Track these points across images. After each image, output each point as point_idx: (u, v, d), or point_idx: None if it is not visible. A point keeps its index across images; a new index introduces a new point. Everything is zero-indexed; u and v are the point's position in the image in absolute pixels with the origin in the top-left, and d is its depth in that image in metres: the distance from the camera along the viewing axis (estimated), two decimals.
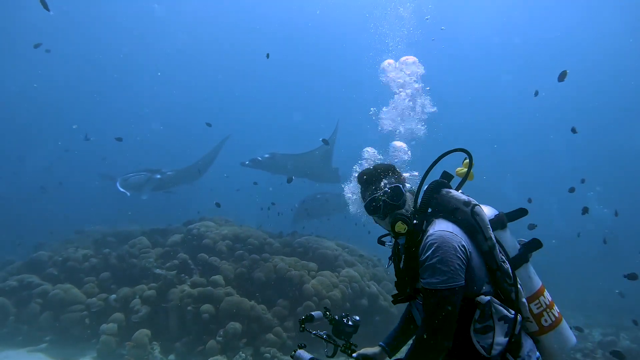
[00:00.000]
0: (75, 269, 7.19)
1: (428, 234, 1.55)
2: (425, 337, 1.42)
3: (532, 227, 6.66)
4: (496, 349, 1.46)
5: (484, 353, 1.45)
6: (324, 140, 10.01)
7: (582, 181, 8.44)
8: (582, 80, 26.78)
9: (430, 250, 1.49)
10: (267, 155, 11.32)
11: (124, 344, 5.71)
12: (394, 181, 1.67)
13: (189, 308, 5.98)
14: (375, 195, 1.65)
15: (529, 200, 7.90)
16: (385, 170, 1.71)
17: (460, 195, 1.65)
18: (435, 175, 1.76)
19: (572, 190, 7.63)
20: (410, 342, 1.60)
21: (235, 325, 5.76)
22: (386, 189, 1.64)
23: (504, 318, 1.48)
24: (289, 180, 9.26)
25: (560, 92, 26.85)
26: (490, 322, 1.47)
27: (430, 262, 1.47)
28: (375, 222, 1.77)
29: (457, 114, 30.31)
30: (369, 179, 1.71)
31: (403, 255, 1.63)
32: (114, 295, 6.41)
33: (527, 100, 28.55)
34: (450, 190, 1.70)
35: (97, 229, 9.45)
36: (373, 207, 1.66)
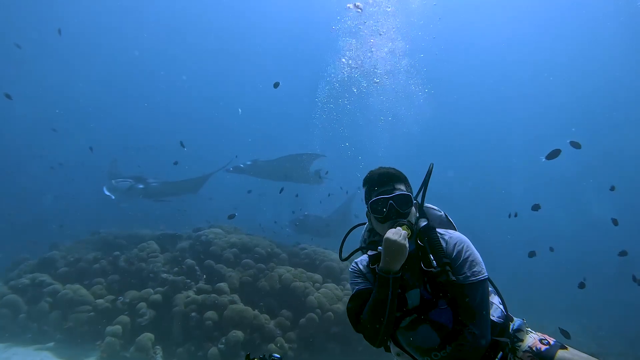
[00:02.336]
0: (86, 270, 7.36)
1: (446, 237, 1.66)
2: (478, 332, 1.50)
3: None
4: (505, 312, 1.74)
5: (501, 321, 1.69)
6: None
7: (612, 188, 8.30)
8: (584, 82, 26.95)
9: (460, 248, 1.62)
10: (249, 163, 11.98)
11: (96, 344, 5.81)
12: (404, 189, 1.68)
13: (192, 314, 6.03)
14: (384, 196, 1.64)
15: (537, 207, 7.76)
16: (398, 176, 1.72)
17: (432, 205, 1.94)
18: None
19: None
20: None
21: (237, 334, 5.77)
22: (397, 193, 1.64)
23: (493, 291, 1.79)
24: (281, 191, 10.14)
25: (565, 95, 27.88)
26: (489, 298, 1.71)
27: (464, 258, 1.59)
28: (370, 223, 1.79)
29: (463, 115, 30.59)
30: (379, 180, 1.70)
31: (420, 262, 1.61)
32: (121, 298, 6.52)
33: (533, 101, 29.25)
34: (425, 204, 1.92)
35: (110, 231, 9.64)
36: (378, 207, 1.65)
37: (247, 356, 1.49)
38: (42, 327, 6.44)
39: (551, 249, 8.71)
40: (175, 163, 12.24)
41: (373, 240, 1.81)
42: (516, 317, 1.80)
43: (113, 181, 10.62)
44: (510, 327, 1.74)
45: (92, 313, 6.34)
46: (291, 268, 7.24)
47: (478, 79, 30.58)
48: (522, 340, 1.71)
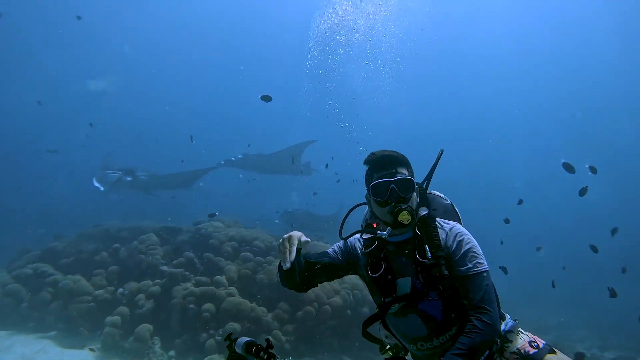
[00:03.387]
0: (87, 261, 7.46)
1: (446, 228, 1.62)
2: (489, 321, 1.45)
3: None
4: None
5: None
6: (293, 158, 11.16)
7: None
8: (581, 71, 27.28)
9: (460, 239, 1.58)
10: (240, 156, 12.39)
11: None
12: (406, 173, 1.65)
13: (190, 306, 6.08)
14: (385, 179, 1.60)
15: (520, 202, 7.73)
16: (401, 159, 1.68)
17: (438, 192, 1.89)
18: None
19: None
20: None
21: (234, 326, 5.81)
22: (399, 177, 1.61)
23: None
24: (293, 161, 10.64)
25: (563, 85, 28.25)
26: None
27: (466, 250, 1.56)
28: (369, 206, 1.76)
29: (463, 110, 30.63)
30: (381, 162, 1.66)
31: (416, 251, 1.59)
32: (121, 289, 6.59)
33: (530, 91, 29.58)
34: (430, 189, 1.85)
35: (113, 223, 9.74)
36: (379, 190, 1.61)
37: (229, 335, 1.44)
38: (44, 317, 6.54)
39: (538, 249, 8.69)
40: (182, 161, 12.45)
41: (369, 223, 1.78)
42: (509, 318, 1.75)
43: (103, 172, 10.72)
44: (502, 326, 1.69)
45: (92, 303, 6.43)
46: None
47: (475, 70, 30.57)
48: (511, 342, 1.67)
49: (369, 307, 6.85)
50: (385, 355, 1.63)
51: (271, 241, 7.98)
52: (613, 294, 6.08)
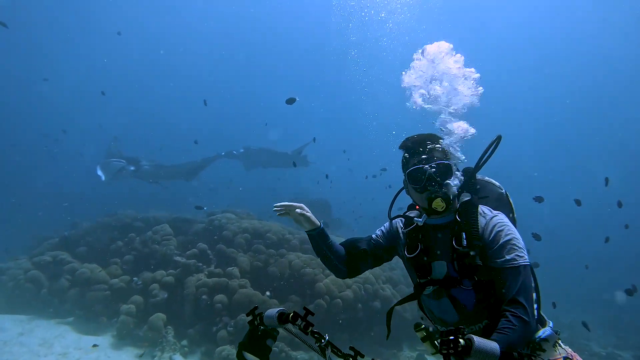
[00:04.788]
0: (102, 250, 7.60)
1: (487, 217, 1.56)
2: (524, 316, 1.37)
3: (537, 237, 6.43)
4: (537, 313, 1.57)
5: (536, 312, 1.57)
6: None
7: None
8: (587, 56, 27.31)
9: (498, 230, 1.51)
10: (242, 150, 12.68)
11: (101, 318, 6.09)
12: (444, 158, 1.60)
13: (203, 297, 6.15)
14: (423, 165, 1.57)
15: (540, 200, 7.46)
16: (437, 144, 1.64)
17: (493, 180, 1.80)
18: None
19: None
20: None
21: (246, 318, 5.86)
22: (436, 162, 1.57)
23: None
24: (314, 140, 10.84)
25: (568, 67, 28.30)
26: None
27: (504, 241, 1.48)
28: (407, 191, 1.75)
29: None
30: (417, 147, 1.63)
31: (453, 237, 1.56)
32: (135, 278, 6.71)
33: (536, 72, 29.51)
34: (484, 176, 1.80)
35: (127, 213, 9.89)
36: (416, 176, 1.59)
37: (253, 310, 1.39)
38: (63, 303, 6.72)
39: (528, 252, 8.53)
40: (196, 142, 12.49)
41: (413, 203, 1.80)
42: (550, 326, 1.63)
43: (107, 160, 10.73)
44: (540, 333, 1.58)
45: (107, 292, 6.56)
46: (301, 254, 7.26)
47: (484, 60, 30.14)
48: (544, 351, 1.56)
49: (380, 301, 6.82)
50: (419, 334, 1.62)
51: (284, 234, 7.99)
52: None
